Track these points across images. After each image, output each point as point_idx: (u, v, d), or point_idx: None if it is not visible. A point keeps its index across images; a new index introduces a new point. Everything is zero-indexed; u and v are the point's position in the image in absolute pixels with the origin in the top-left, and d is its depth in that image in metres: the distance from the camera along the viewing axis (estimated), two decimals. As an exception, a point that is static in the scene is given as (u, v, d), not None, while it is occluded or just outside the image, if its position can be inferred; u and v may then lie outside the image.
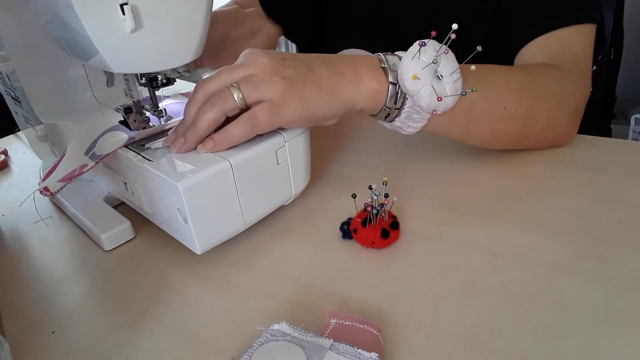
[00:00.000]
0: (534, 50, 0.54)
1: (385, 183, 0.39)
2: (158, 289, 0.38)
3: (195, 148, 0.39)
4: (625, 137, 1.55)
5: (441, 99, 0.39)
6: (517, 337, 0.30)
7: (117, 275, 0.41)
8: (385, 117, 0.44)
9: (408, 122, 0.43)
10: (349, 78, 0.41)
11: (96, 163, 0.39)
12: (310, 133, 0.45)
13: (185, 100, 0.51)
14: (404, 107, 0.42)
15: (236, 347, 0.32)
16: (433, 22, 0.65)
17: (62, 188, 0.40)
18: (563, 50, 0.53)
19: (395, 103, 0.42)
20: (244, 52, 0.42)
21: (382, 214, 0.40)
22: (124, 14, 0.33)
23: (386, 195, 0.40)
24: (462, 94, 0.40)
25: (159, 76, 0.42)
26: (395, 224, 0.40)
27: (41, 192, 0.39)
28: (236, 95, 0.38)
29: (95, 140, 0.40)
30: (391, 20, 0.70)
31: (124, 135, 0.41)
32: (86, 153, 0.40)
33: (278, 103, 0.39)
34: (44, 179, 0.39)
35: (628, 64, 1.01)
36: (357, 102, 0.42)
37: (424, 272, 0.37)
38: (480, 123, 0.47)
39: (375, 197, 0.39)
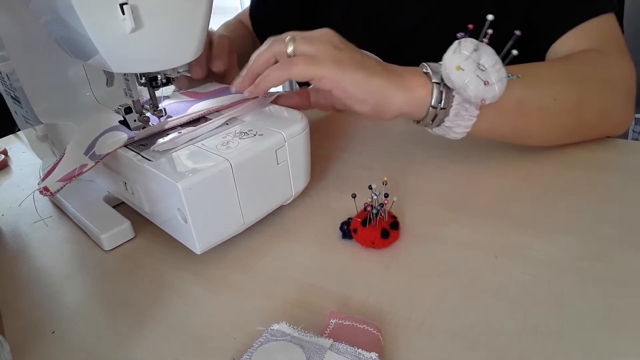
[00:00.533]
0: (572, 42, 0.54)
1: (385, 183, 0.39)
2: (158, 289, 0.38)
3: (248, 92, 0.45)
4: (625, 137, 1.55)
5: (487, 84, 0.39)
6: (517, 337, 0.31)
7: (117, 275, 0.41)
8: (433, 120, 0.43)
9: (457, 121, 0.43)
10: (392, 77, 0.42)
11: (96, 163, 0.39)
12: (310, 133, 0.45)
13: (186, 98, 0.51)
14: (452, 104, 0.42)
15: (236, 347, 0.32)
16: (427, 22, 0.65)
17: (61, 188, 0.40)
18: (602, 36, 0.53)
19: (441, 102, 0.42)
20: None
21: (382, 214, 0.40)
22: (124, 14, 0.33)
23: (386, 195, 0.40)
24: (508, 76, 0.41)
25: (159, 76, 0.42)
26: (395, 224, 0.40)
27: (41, 192, 0.39)
28: (289, 47, 0.42)
29: (95, 140, 0.40)
30: (385, 22, 0.70)
31: (123, 135, 0.41)
32: (86, 153, 0.40)
33: (318, 59, 0.41)
34: (43, 179, 0.39)
35: (628, 63, 1.01)
36: (393, 99, 0.42)
37: (424, 272, 0.37)
38: (532, 117, 0.47)
39: (375, 197, 0.39)
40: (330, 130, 0.64)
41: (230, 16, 0.87)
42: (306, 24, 0.77)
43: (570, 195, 0.45)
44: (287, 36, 0.43)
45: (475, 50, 0.40)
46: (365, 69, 0.42)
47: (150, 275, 0.40)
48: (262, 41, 0.80)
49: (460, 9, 0.63)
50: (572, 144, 0.53)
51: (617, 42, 0.53)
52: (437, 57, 0.42)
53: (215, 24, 0.67)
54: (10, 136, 0.75)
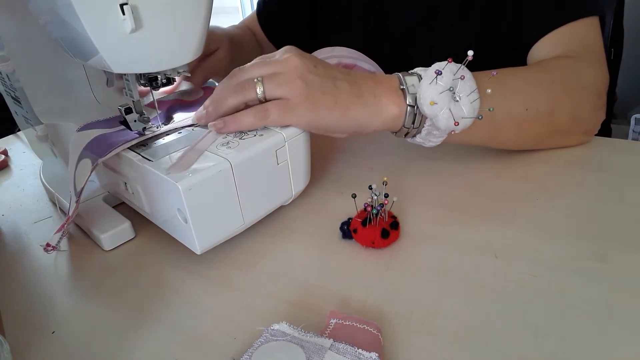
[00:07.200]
0: (548, 47, 0.55)
1: (385, 183, 0.39)
2: (158, 289, 0.38)
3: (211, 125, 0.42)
4: (625, 137, 1.55)
5: (458, 124, 0.40)
6: (517, 337, 0.31)
7: (117, 275, 0.41)
8: (405, 135, 0.45)
9: (429, 138, 0.44)
10: (367, 101, 0.42)
11: (78, 198, 0.39)
12: (310, 133, 0.45)
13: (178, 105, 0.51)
14: (424, 125, 0.43)
15: (236, 347, 0.32)
16: (424, 22, 0.66)
17: (62, 238, 0.42)
18: (576, 43, 0.53)
19: (413, 123, 0.43)
20: (284, 47, 0.44)
21: (382, 214, 0.40)
22: (124, 14, 0.33)
23: (386, 195, 0.40)
24: (478, 118, 0.41)
25: (159, 76, 0.42)
26: (395, 224, 0.40)
27: (45, 250, 0.42)
28: (258, 89, 0.41)
29: (74, 178, 0.40)
30: (383, 21, 0.70)
31: (88, 162, 0.39)
32: (74, 194, 0.39)
33: (291, 104, 0.41)
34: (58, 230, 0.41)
35: (628, 64, 1.01)
36: (370, 124, 0.43)
37: (424, 272, 0.37)
38: (504, 128, 0.47)
39: (375, 197, 0.39)
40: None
41: (230, 16, 0.88)
42: (313, 25, 0.79)
43: (570, 195, 0.45)
44: (255, 78, 0.42)
45: (452, 81, 0.40)
46: (340, 103, 0.41)
47: (151, 275, 0.40)
48: (274, 44, 0.82)
49: (456, 8, 0.63)
50: (573, 145, 0.53)
51: (591, 48, 0.54)
52: (437, 56, 0.42)
53: (215, 24, 0.67)
54: (11, 136, 0.76)
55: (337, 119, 0.42)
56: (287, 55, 0.43)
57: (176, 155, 0.39)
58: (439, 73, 0.40)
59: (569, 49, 0.53)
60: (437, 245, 0.40)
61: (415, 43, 0.68)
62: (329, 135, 0.44)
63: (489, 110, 0.41)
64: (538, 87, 0.48)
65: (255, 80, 0.41)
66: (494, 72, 0.41)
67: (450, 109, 0.40)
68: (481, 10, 0.61)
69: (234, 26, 0.84)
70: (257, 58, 0.45)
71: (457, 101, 0.40)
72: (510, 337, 0.31)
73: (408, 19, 0.67)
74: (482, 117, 0.41)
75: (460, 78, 0.40)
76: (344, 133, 0.44)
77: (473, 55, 0.38)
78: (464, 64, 0.40)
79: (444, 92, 0.40)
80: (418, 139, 0.45)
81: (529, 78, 0.49)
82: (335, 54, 0.70)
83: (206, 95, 0.52)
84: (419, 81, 0.41)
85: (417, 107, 0.42)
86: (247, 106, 0.42)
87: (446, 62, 0.40)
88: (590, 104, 0.51)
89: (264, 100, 0.42)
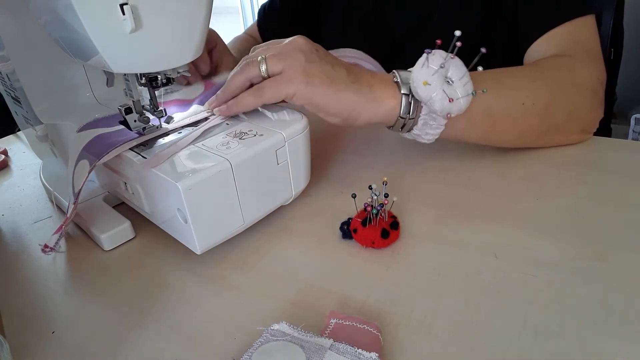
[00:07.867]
0: (544, 47, 0.55)
1: (385, 183, 0.39)
2: (158, 289, 0.38)
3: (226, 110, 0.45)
4: (625, 137, 1.55)
5: (452, 101, 0.40)
6: (517, 337, 0.31)
7: (117, 275, 0.41)
8: (402, 128, 0.45)
9: (426, 130, 0.44)
10: (361, 89, 0.43)
11: (76, 199, 0.39)
12: (310, 133, 0.45)
13: (175, 104, 0.51)
14: (420, 115, 0.43)
15: (236, 347, 0.32)
16: (426, 22, 0.66)
17: (59, 239, 0.42)
18: (572, 42, 0.54)
19: (409, 112, 0.43)
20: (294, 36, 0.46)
21: (382, 214, 0.40)
22: (124, 14, 0.33)
23: (386, 195, 0.40)
24: (472, 94, 0.41)
25: (159, 76, 0.42)
26: (395, 224, 0.40)
27: (43, 251, 0.42)
28: (262, 67, 0.43)
29: (72, 179, 0.40)
30: (386, 21, 0.70)
31: (86, 164, 0.39)
32: (73, 195, 0.39)
33: (287, 77, 0.42)
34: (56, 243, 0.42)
35: (628, 64, 1.01)
36: (362, 112, 0.43)
37: (424, 272, 0.37)
38: (500, 123, 0.48)
39: (375, 197, 0.39)
40: (330, 131, 0.64)
41: (230, 16, 0.88)
42: (312, 31, 0.79)
43: (570, 195, 0.45)
44: (259, 56, 0.43)
45: (443, 63, 0.40)
46: (335, 83, 0.42)
47: (150, 275, 0.40)
48: None
49: (455, 9, 0.63)
50: (572, 144, 0.53)
51: (587, 46, 0.54)
52: None
53: (215, 24, 0.67)
54: (10, 136, 0.76)
55: (330, 98, 0.42)
56: (293, 38, 0.44)
57: (176, 155, 0.39)
58: (429, 52, 0.40)
59: (565, 48, 0.53)
60: (437, 245, 0.40)
61: (416, 44, 0.68)
62: (321, 115, 0.44)
63: (483, 91, 0.42)
64: (532, 84, 0.48)
65: (259, 59, 0.43)
66: (480, 67, 0.42)
67: (444, 90, 0.40)
68: (481, 11, 0.61)
69: (236, 37, 0.85)
70: (268, 42, 0.46)
71: (451, 84, 0.41)
72: (510, 337, 0.31)
73: (409, 20, 0.68)
74: (475, 94, 0.41)
75: (451, 58, 0.40)
76: (336, 116, 0.44)
77: (471, 53, 0.38)
78: (451, 50, 0.40)
79: (437, 74, 0.40)
80: (415, 131, 0.45)
81: (524, 76, 0.49)
82: (336, 54, 0.70)
83: (207, 89, 0.52)
84: None
85: (412, 95, 0.42)
86: (251, 86, 0.44)
87: (433, 49, 0.40)
88: (587, 102, 0.51)
89: (267, 77, 0.43)
